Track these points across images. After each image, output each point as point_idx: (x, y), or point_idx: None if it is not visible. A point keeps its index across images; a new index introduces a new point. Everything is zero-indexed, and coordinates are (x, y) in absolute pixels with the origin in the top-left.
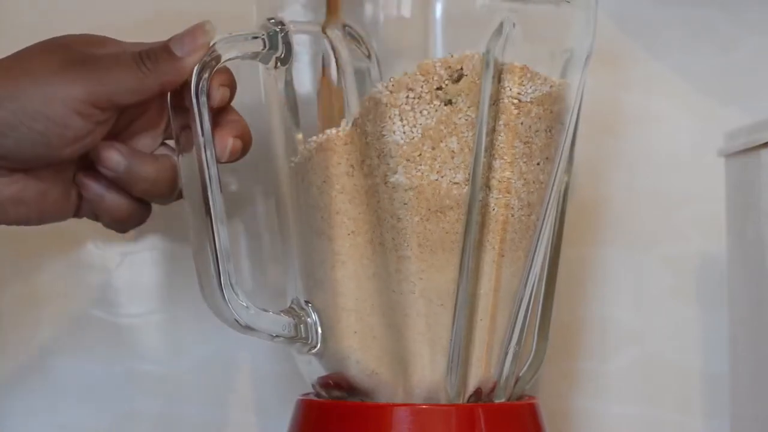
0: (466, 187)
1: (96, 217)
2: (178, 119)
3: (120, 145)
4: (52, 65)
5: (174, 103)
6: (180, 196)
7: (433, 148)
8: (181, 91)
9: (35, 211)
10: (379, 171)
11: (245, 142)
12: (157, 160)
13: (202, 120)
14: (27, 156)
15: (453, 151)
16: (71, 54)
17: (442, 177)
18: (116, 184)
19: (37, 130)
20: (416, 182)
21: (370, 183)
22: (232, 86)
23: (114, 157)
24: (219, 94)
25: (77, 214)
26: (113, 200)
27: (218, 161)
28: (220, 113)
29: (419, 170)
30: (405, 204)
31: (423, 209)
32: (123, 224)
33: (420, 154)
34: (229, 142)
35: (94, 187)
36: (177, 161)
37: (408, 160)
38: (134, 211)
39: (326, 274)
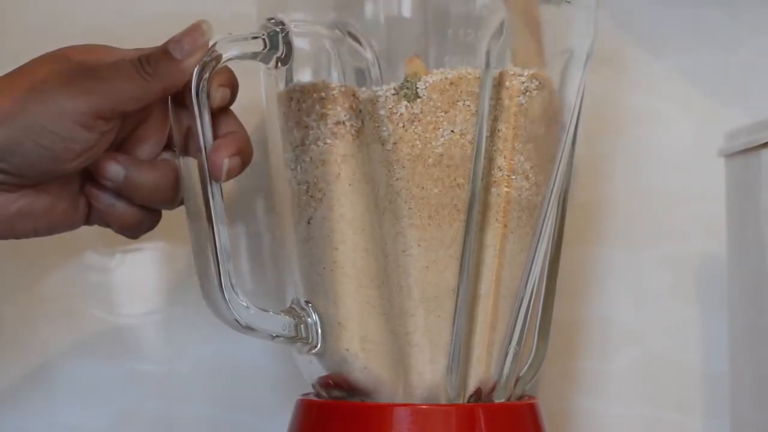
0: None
1: (106, 225)
2: (178, 120)
3: (118, 155)
4: (54, 80)
5: (174, 104)
6: (182, 203)
7: (446, 112)
8: (181, 92)
9: (44, 224)
10: (404, 138)
11: (244, 158)
12: (157, 167)
13: (203, 120)
14: (35, 171)
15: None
16: (72, 66)
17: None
18: (119, 193)
19: (44, 146)
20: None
21: (382, 159)
22: (233, 86)
23: (113, 168)
24: (219, 95)
25: (87, 222)
26: (123, 208)
27: (216, 181)
28: (219, 122)
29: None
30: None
31: (442, 181)
32: (134, 231)
33: (435, 126)
34: (225, 163)
35: (104, 197)
36: (178, 162)
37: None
38: (144, 217)
39: (326, 273)
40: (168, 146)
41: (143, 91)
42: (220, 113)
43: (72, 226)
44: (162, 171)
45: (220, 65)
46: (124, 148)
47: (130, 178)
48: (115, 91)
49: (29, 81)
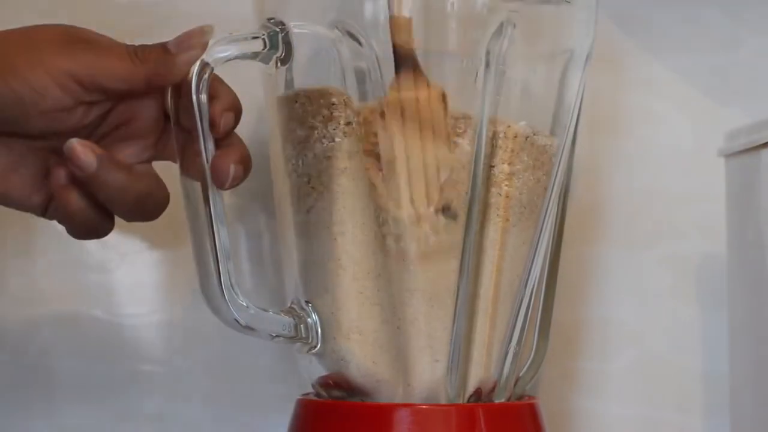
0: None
1: (62, 221)
2: (178, 126)
3: (96, 147)
4: (46, 36)
5: (174, 106)
6: (146, 217)
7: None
8: (180, 93)
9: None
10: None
11: (246, 166)
12: (131, 172)
13: (203, 119)
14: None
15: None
16: (75, 32)
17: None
18: (85, 184)
19: (13, 88)
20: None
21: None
22: (237, 110)
23: (87, 156)
24: (223, 120)
25: (45, 213)
26: (76, 199)
27: (220, 188)
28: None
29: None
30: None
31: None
32: (80, 229)
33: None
34: (231, 168)
35: (61, 175)
36: (177, 158)
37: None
38: (93, 215)
39: (326, 273)
40: (157, 157)
41: (127, 72)
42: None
43: (27, 203)
44: (136, 177)
45: (219, 65)
46: (105, 142)
47: (101, 173)
48: (99, 63)
49: (29, 33)
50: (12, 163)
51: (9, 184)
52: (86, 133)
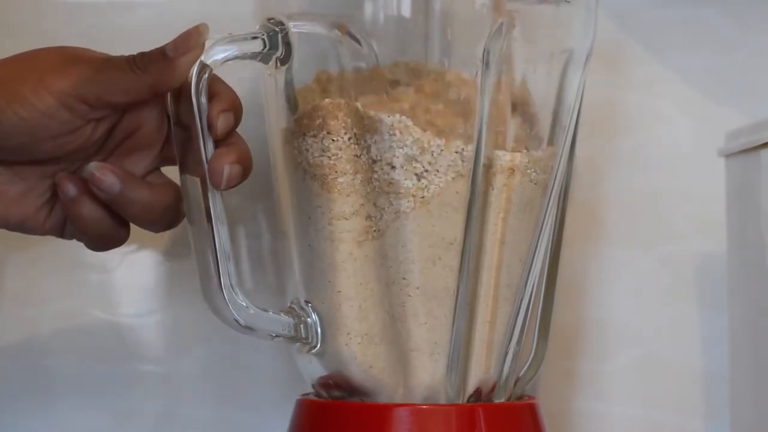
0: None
1: (80, 238)
2: (178, 126)
3: (114, 168)
4: (50, 60)
5: (174, 107)
6: (170, 226)
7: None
8: (180, 93)
9: (15, 214)
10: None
11: (245, 166)
12: (153, 186)
13: (202, 120)
14: (10, 144)
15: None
16: (71, 52)
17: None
18: (109, 205)
19: (21, 116)
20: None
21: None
22: (236, 110)
23: (109, 178)
24: (221, 121)
25: (62, 233)
26: (90, 209)
27: (216, 188)
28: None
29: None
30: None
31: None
32: (97, 239)
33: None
34: (225, 169)
35: (70, 188)
36: (177, 157)
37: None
38: (108, 222)
39: (326, 273)
40: (163, 163)
41: (131, 84)
42: None
43: (43, 227)
44: (157, 191)
45: (219, 65)
46: (114, 156)
47: (125, 192)
48: (103, 79)
49: (28, 58)
50: (24, 190)
51: (22, 211)
52: (95, 150)
